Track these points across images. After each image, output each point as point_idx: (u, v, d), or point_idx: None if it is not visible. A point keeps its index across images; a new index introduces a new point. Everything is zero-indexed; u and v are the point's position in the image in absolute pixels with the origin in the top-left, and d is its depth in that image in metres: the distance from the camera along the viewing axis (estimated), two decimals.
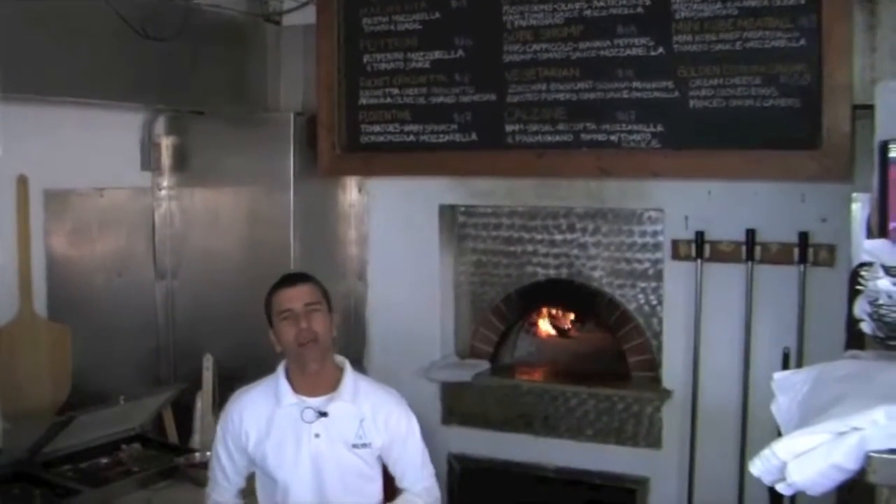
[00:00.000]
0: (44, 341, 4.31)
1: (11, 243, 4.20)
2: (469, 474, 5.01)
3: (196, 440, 4.51)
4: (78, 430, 4.21)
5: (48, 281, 4.37)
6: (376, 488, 3.32)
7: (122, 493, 3.91)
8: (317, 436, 3.19)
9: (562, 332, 5.32)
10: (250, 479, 3.40)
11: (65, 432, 4.15)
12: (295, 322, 3.15)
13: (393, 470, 3.34)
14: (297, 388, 3.23)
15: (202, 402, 4.55)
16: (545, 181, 4.66)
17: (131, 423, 4.45)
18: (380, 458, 3.31)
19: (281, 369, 3.28)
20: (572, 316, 5.25)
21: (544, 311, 5.25)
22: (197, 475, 4.00)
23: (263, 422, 3.23)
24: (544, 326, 5.28)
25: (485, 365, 5.00)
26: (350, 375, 3.29)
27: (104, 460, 4.33)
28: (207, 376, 4.57)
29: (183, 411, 4.61)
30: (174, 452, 4.37)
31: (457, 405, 5.01)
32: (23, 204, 4.22)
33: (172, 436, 4.62)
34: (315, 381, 3.23)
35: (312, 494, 3.19)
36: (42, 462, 4.14)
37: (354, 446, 3.22)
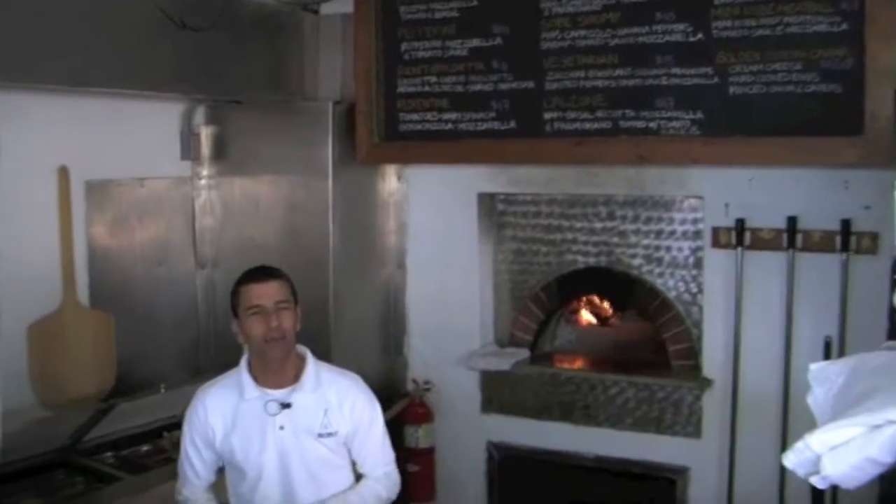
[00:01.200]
0: (87, 330, 4.33)
1: (54, 234, 4.23)
2: (508, 462, 5.01)
3: None
4: (119, 418, 4.29)
5: (90, 271, 4.40)
6: (345, 475, 3.31)
7: (161, 480, 3.90)
8: (281, 428, 3.17)
9: (601, 321, 5.29)
10: (221, 472, 3.38)
11: (106, 420, 4.22)
12: (265, 319, 3.13)
13: (355, 456, 3.32)
14: (259, 381, 3.21)
15: None
16: (584, 169, 4.64)
17: (172, 411, 4.41)
18: (345, 446, 3.29)
19: (243, 363, 3.27)
20: (612, 304, 5.23)
21: (584, 299, 5.23)
22: None
23: (228, 416, 3.22)
24: (584, 315, 5.27)
25: (524, 353, 4.99)
26: (312, 365, 3.26)
27: (145, 448, 4.40)
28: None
29: None
30: None
31: (496, 394, 5.00)
32: (64, 195, 4.24)
33: None
34: (278, 373, 3.21)
35: (280, 485, 3.19)
36: (84, 449, 4.22)
37: (320, 435, 3.21)
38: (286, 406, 3.17)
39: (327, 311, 4.61)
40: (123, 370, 4.44)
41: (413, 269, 5.16)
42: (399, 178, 5.13)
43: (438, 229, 5.06)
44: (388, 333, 5.15)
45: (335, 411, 3.22)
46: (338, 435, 3.22)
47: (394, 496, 3.35)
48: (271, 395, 3.18)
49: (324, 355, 3.32)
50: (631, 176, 4.58)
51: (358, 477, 3.34)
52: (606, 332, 5.25)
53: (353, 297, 4.84)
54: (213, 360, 4.92)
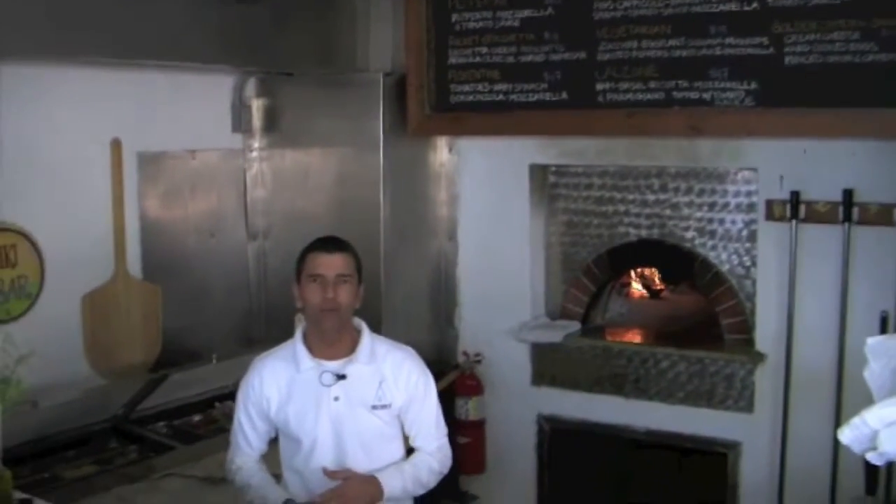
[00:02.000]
0: (137, 301, 4.39)
1: (106, 206, 4.28)
2: (558, 435, 5.01)
3: None
4: (171, 389, 4.35)
5: (142, 243, 4.45)
6: (397, 447, 3.29)
7: (213, 449, 3.93)
8: (336, 399, 3.16)
9: (653, 294, 5.28)
10: (273, 443, 3.38)
11: (159, 390, 4.28)
12: (323, 289, 3.11)
13: (408, 429, 3.30)
14: (314, 352, 3.20)
15: None
16: (637, 140, 4.59)
17: (224, 382, 4.48)
18: (399, 418, 3.27)
19: (299, 334, 3.27)
20: (664, 277, 5.20)
21: (636, 271, 5.21)
22: None
23: (284, 386, 3.21)
24: (636, 287, 5.25)
25: (575, 326, 4.98)
26: (367, 338, 3.24)
27: (197, 418, 4.48)
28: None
29: None
30: None
31: (547, 366, 4.99)
32: (117, 167, 4.28)
33: None
34: (333, 344, 3.19)
35: (333, 456, 3.18)
36: (137, 419, 4.27)
37: (374, 407, 3.19)
38: (341, 377, 3.16)
39: (378, 283, 4.61)
40: (173, 341, 4.50)
41: (464, 241, 5.15)
42: (450, 149, 5.11)
43: (490, 201, 5.05)
44: (438, 305, 5.15)
45: (390, 383, 3.20)
46: (392, 407, 3.21)
47: (446, 470, 3.34)
48: (326, 366, 3.17)
49: (374, 328, 3.30)
50: (684, 147, 4.53)
51: (409, 450, 3.33)
52: (658, 306, 5.24)
53: (404, 270, 4.86)
54: (264, 331, 4.97)
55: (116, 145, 4.27)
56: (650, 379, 4.73)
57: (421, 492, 3.27)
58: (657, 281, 5.26)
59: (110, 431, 4.18)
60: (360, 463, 3.16)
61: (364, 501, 3.09)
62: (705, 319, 4.83)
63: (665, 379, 4.70)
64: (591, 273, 5.02)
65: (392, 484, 3.13)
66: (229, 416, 4.17)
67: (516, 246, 5.00)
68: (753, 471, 4.51)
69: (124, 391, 4.24)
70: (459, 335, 5.19)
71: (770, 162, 4.34)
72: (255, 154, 4.99)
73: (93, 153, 4.22)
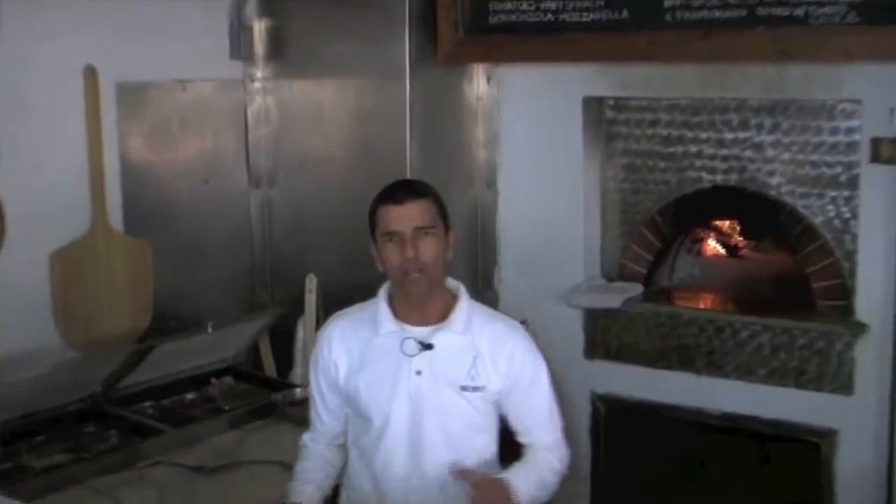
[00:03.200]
0: (120, 259, 4.35)
1: (81, 147, 4.21)
2: (616, 417, 4.87)
3: (297, 374, 4.51)
4: (160, 362, 4.32)
5: (124, 190, 4.41)
6: (487, 442, 3.15)
7: (210, 432, 3.97)
8: (418, 372, 3.04)
9: (731, 251, 5.12)
10: None
11: (145, 364, 4.26)
12: (401, 247, 2.99)
13: (514, 422, 3.17)
14: (399, 315, 3.09)
15: (304, 329, 4.52)
16: (712, 67, 4.40)
17: (222, 354, 4.55)
18: (495, 405, 3.13)
19: (383, 291, 3.15)
20: (744, 231, 5.05)
21: (710, 224, 5.07)
22: (297, 414, 3.96)
23: (356, 351, 3.12)
24: (710, 244, 5.11)
25: (637, 289, 4.83)
26: (465, 303, 3.13)
27: (190, 396, 4.43)
28: (310, 299, 4.53)
29: (282, 340, 4.63)
30: (271, 388, 4.40)
31: (603, 336, 4.85)
32: (92, 100, 4.20)
33: (270, 368, 4.67)
34: (421, 307, 3.09)
35: (408, 441, 3.07)
36: (119, 398, 4.21)
37: (464, 388, 3.06)
38: (427, 347, 3.04)
39: None
40: (162, 306, 4.48)
41: (505, 188, 5.00)
42: (489, 80, 4.93)
43: (536, 141, 4.87)
44: (476, 264, 5.04)
45: (486, 361, 3.08)
46: (485, 391, 3.07)
47: (565, 470, 3.23)
48: (411, 332, 3.07)
49: None
50: (770, 75, 4.31)
51: (507, 448, 3.21)
52: (737, 265, 5.08)
53: None
54: (269, 294, 5.02)
55: (91, 74, 4.18)
56: (726, 352, 4.54)
57: (544, 499, 3.18)
58: (735, 236, 5.09)
59: (86, 412, 4.11)
60: (440, 455, 3.07)
61: None
62: (793, 282, 4.64)
63: (744, 353, 4.50)
64: (656, 226, 4.85)
65: (523, 490, 3.03)
66: (228, 395, 4.39)
67: (567, 194, 4.84)
68: (854, 463, 4.32)
69: (103, 365, 4.15)
70: (500, 298, 5.05)
71: (876, 92, 4.10)
72: (257, 85, 4.93)
73: (63, 85, 4.14)
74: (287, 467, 3.38)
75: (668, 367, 4.69)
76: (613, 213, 4.92)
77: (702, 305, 4.80)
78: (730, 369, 4.55)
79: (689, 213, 4.81)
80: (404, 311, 3.10)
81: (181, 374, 4.44)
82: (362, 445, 3.15)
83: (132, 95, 4.40)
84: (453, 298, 3.14)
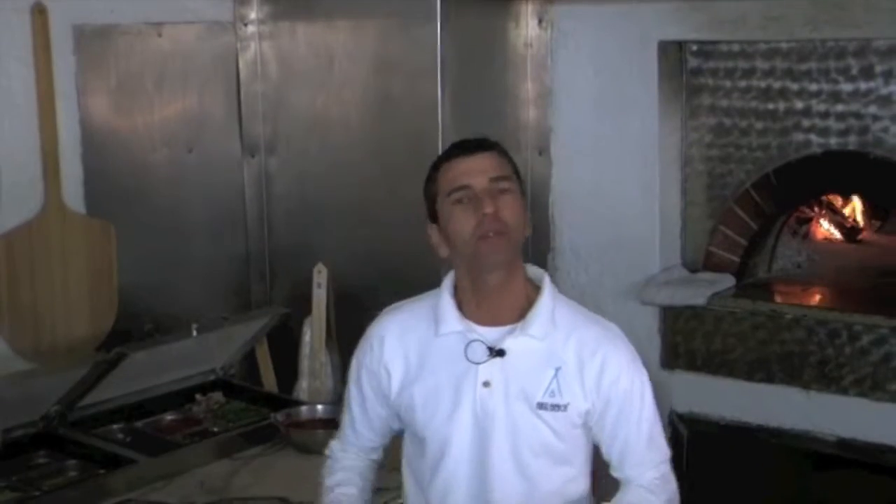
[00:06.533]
0: (78, 246, 4.33)
1: (30, 106, 4.15)
2: (701, 443, 4.76)
3: (303, 388, 4.50)
4: (131, 375, 4.22)
5: (84, 161, 4.35)
6: (572, 476, 3.02)
7: (194, 462, 3.88)
8: (486, 384, 2.91)
9: (849, 234, 5.07)
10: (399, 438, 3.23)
11: (111, 376, 4.14)
12: (475, 206, 2.85)
13: (607, 450, 3.03)
14: (466, 311, 2.97)
15: (312, 332, 4.50)
16: (826, 0, 4.27)
17: (209, 364, 4.49)
18: (584, 430, 2.99)
19: (447, 282, 3.03)
20: (866, 209, 5.00)
21: (821, 201, 4.99)
22: (304, 439, 3.95)
23: (414, 355, 3.01)
24: (821, 225, 5.07)
25: (728, 281, 4.74)
26: (548, 297, 2.96)
27: (169, 417, 4.38)
28: (320, 296, 4.50)
29: (284, 346, 4.59)
30: (271, 405, 4.35)
31: (685, 341, 4.74)
32: (42, 48, 4.14)
33: (269, 382, 4.62)
34: (495, 302, 2.95)
35: (471, 471, 2.96)
36: (79, 420, 4.15)
37: (541, 406, 2.92)
38: (498, 353, 2.91)
39: None
40: (132, 304, 4.46)
41: (561, 155, 4.90)
42: (540, 20, 4.83)
43: (599, 97, 4.78)
44: (524, 249, 4.84)
45: (572, 374, 2.94)
46: (568, 410, 2.94)
47: None
48: (478, 332, 2.94)
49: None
50: None
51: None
52: (856, 253, 5.02)
53: None
54: (266, 289, 5.01)
55: (40, 14, 4.11)
56: (843, 363, 4.39)
57: None
58: (855, 215, 5.03)
59: (38, 439, 4.03)
60: (511, 489, 2.97)
61: None
62: None
63: (867, 363, 4.34)
64: (752, 203, 4.74)
65: None
66: (218, 415, 4.35)
67: (638, 163, 4.76)
68: None
69: (59, 379, 4.06)
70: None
71: None
72: (252, 29, 4.87)
73: (3, 28, 4.08)
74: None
75: (769, 380, 4.59)
76: (697, 186, 4.88)
77: (811, 303, 4.74)
78: (848, 384, 4.42)
79: (795, 186, 4.72)
80: (473, 306, 2.98)
81: (158, 390, 4.37)
82: (417, 470, 3.08)
83: (94, 42, 4.34)
84: (535, 291, 3.00)
